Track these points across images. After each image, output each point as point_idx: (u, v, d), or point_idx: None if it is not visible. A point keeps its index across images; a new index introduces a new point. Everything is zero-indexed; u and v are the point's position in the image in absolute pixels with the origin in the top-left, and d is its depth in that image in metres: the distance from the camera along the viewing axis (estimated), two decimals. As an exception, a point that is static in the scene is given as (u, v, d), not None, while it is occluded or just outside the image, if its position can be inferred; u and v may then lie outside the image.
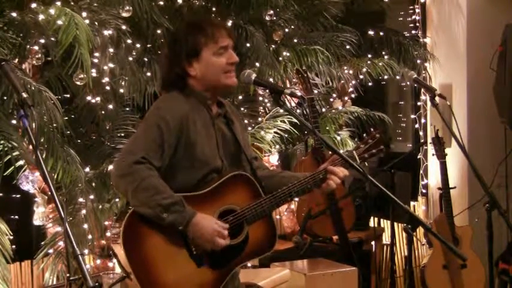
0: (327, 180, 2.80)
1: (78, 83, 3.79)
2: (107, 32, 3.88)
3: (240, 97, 4.84)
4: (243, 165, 2.87)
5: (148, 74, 4.17)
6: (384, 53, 5.59)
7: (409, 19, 5.96)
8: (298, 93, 4.51)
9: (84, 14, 3.76)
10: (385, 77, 5.43)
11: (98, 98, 3.99)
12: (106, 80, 3.98)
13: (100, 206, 3.92)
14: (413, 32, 5.91)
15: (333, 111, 5.42)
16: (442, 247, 4.71)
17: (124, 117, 4.16)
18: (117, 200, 3.98)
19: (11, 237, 3.68)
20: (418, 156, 5.94)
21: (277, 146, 4.98)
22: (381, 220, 5.45)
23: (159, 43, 4.27)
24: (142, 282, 2.61)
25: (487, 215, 3.54)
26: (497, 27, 5.29)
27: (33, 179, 3.86)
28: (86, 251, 3.97)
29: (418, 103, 6.03)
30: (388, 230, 5.13)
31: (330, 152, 4.39)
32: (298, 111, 4.65)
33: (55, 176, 3.65)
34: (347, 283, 4.11)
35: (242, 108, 4.86)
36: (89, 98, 3.96)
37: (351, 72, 5.32)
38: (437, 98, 3.47)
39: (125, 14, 3.96)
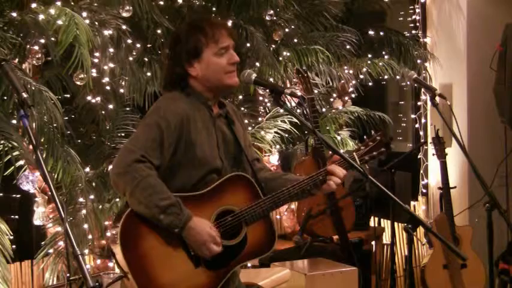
0: (327, 181, 2.80)
1: (78, 83, 3.80)
2: (107, 32, 3.88)
3: (240, 97, 4.84)
4: (244, 166, 2.86)
5: (149, 74, 4.17)
6: (384, 52, 5.59)
7: (409, 19, 5.97)
8: (298, 93, 4.51)
9: (84, 14, 3.76)
10: (385, 76, 5.43)
11: (98, 98, 3.99)
12: (106, 80, 3.98)
13: (100, 206, 3.92)
14: (413, 31, 5.92)
15: (333, 111, 5.42)
16: (442, 247, 4.71)
17: (124, 117, 4.15)
18: (117, 200, 3.98)
19: (11, 237, 3.68)
20: (419, 156, 5.95)
21: (278, 146, 4.98)
22: (381, 220, 5.45)
23: (159, 43, 4.27)
24: (139, 282, 2.60)
25: (487, 215, 3.54)
26: (498, 27, 5.30)
27: (33, 179, 3.86)
28: (86, 251, 3.97)
29: (418, 103, 6.03)
30: (389, 230, 5.13)
31: (330, 152, 4.41)
32: (298, 111, 4.64)
33: (55, 176, 3.65)
34: (347, 283, 4.11)
35: (242, 108, 4.86)
36: (89, 98, 3.96)
37: (351, 72, 5.32)
38: (437, 98, 3.47)
39: (125, 14, 3.97)
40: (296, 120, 4.10)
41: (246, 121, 4.73)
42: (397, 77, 5.48)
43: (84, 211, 3.84)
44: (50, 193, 2.15)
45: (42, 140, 3.53)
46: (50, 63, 3.86)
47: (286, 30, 4.92)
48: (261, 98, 5.06)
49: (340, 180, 2.81)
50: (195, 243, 2.64)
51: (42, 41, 3.66)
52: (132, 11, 3.99)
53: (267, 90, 3.57)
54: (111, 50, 3.92)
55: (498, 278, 4.95)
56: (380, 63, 5.35)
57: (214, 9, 4.63)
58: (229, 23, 4.49)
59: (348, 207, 4.76)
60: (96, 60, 3.86)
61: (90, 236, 3.91)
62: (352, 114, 5.39)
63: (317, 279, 4.04)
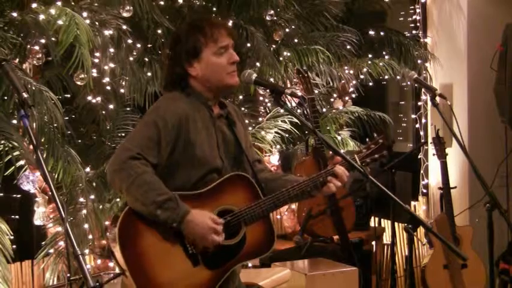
0: (327, 183, 2.80)
1: (78, 83, 3.80)
2: (107, 32, 3.88)
3: (241, 97, 4.84)
4: (244, 167, 2.86)
5: (149, 74, 4.17)
6: (384, 53, 5.59)
7: (410, 19, 5.96)
8: (298, 93, 4.51)
9: (84, 14, 3.76)
10: (386, 77, 5.43)
11: (99, 98, 3.99)
12: (106, 80, 3.98)
13: (100, 206, 3.92)
14: (413, 32, 5.92)
15: (334, 111, 5.43)
16: (442, 247, 4.71)
17: (124, 117, 4.15)
18: (117, 200, 3.98)
19: (12, 237, 3.68)
20: (419, 156, 5.94)
21: (278, 146, 4.98)
22: (382, 220, 5.45)
23: (159, 43, 4.28)
24: (137, 281, 2.60)
25: (488, 215, 3.54)
26: (498, 27, 5.30)
27: (34, 179, 3.86)
28: (87, 251, 3.97)
29: (419, 103, 6.03)
30: (389, 230, 5.13)
31: (331, 152, 4.41)
32: (298, 111, 4.65)
33: (55, 176, 3.65)
34: (348, 283, 4.11)
35: (243, 108, 4.85)
36: (89, 98, 3.96)
37: (351, 72, 5.32)
38: (437, 98, 3.47)
39: (125, 14, 3.97)
40: (296, 120, 4.10)
41: (246, 121, 4.73)
42: (398, 77, 5.48)
43: (84, 211, 3.84)
44: (50, 193, 2.15)
45: (42, 140, 3.53)
46: (50, 63, 3.86)
47: (287, 30, 4.92)
48: (261, 98, 5.06)
49: (342, 183, 2.80)
50: (194, 236, 2.63)
51: (43, 41, 3.66)
52: (133, 11, 3.99)
53: (268, 90, 3.57)
54: (112, 50, 3.92)
55: (498, 278, 4.95)
56: (380, 63, 5.35)
57: (214, 9, 4.63)
58: (230, 23, 4.49)
59: (348, 207, 4.76)
60: (96, 60, 3.86)
61: (90, 236, 3.91)
62: (352, 114, 5.39)
63: (317, 279, 4.04)
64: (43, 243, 3.89)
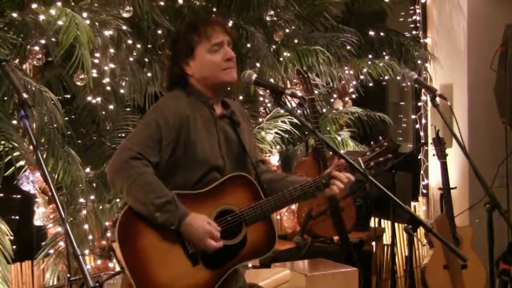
0: (330, 185, 2.79)
1: (78, 83, 3.80)
2: (107, 33, 3.88)
3: (241, 97, 4.83)
4: (247, 167, 2.85)
5: (149, 74, 4.17)
6: (384, 53, 5.59)
7: (410, 19, 5.97)
8: (298, 94, 4.51)
9: (84, 15, 3.76)
10: (386, 77, 5.43)
11: (99, 99, 3.99)
12: (107, 80, 3.98)
13: (101, 207, 3.92)
14: (413, 32, 5.92)
15: (334, 111, 5.43)
16: (442, 247, 4.71)
17: (125, 118, 4.15)
18: (117, 200, 3.98)
19: (12, 238, 3.68)
20: (419, 157, 5.94)
21: (278, 147, 4.98)
22: (382, 220, 5.45)
23: (159, 43, 4.28)
24: (136, 280, 2.60)
25: (488, 216, 3.54)
26: (498, 28, 5.30)
27: (34, 180, 3.86)
28: (87, 252, 3.97)
29: (419, 103, 6.03)
30: (389, 231, 5.13)
31: (331, 153, 4.41)
32: (298, 111, 4.64)
33: (56, 177, 3.65)
34: (348, 283, 4.10)
35: (243, 109, 4.85)
36: (89, 98, 3.96)
37: (351, 72, 5.32)
38: (437, 99, 3.47)
39: (125, 15, 3.96)
40: (296, 121, 4.10)
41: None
42: (398, 78, 5.48)
43: (84, 211, 3.84)
44: (50, 193, 2.15)
45: (42, 141, 3.53)
46: (50, 64, 3.86)
47: (287, 30, 4.92)
48: (261, 99, 5.06)
49: (343, 186, 2.79)
50: (193, 239, 2.64)
51: (43, 41, 3.66)
52: (133, 12, 3.99)
53: (268, 91, 3.57)
54: (112, 50, 3.92)
55: (498, 279, 4.95)
56: (380, 64, 5.35)
57: (214, 9, 4.63)
58: (230, 24, 4.49)
59: (348, 208, 4.76)
60: (96, 61, 3.86)
61: (90, 237, 3.91)
62: (352, 115, 5.40)
63: (317, 279, 4.04)
64: (43, 243, 3.89)
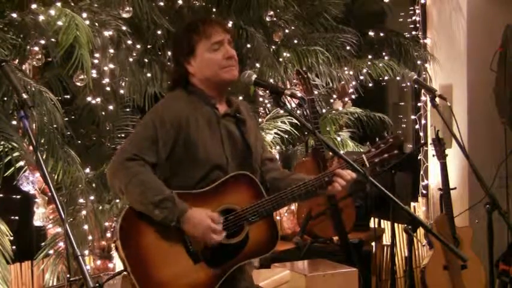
0: (332, 182, 2.79)
1: (78, 83, 3.80)
2: (107, 33, 3.88)
3: (240, 98, 4.83)
4: (253, 166, 2.84)
5: (149, 74, 4.17)
6: (384, 53, 5.59)
7: (410, 20, 5.97)
8: (298, 94, 4.51)
9: (84, 15, 3.77)
10: (386, 77, 5.44)
11: (98, 99, 3.99)
12: (106, 80, 3.98)
13: (100, 207, 3.93)
14: (413, 32, 5.92)
15: (333, 112, 5.43)
16: (442, 248, 4.71)
17: (124, 118, 4.16)
18: (117, 201, 3.98)
19: (11, 238, 3.68)
20: (419, 157, 5.94)
21: (278, 147, 4.98)
22: (381, 221, 5.45)
23: (159, 44, 4.28)
24: (138, 278, 2.60)
25: (488, 216, 3.53)
26: (498, 28, 5.30)
27: (34, 180, 3.86)
28: (86, 252, 3.97)
29: (419, 104, 6.03)
30: (389, 231, 5.12)
31: (330, 153, 4.41)
32: (298, 112, 4.64)
33: (55, 177, 3.65)
34: (347, 284, 4.10)
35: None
36: (89, 98, 3.96)
37: (351, 73, 5.32)
38: (437, 99, 3.47)
39: (125, 15, 3.97)
40: (296, 121, 4.10)
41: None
42: (397, 78, 5.48)
43: (84, 212, 3.84)
44: (50, 194, 2.15)
45: (42, 141, 3.54)
46: (50, 64, 3.86)
47: (287, 31, 4.92)
48: (261, 99, 5.06)
49: (346, 183, 2.79)
50: (193, 235, 2.64)
51: (43, 41, 3.66)
52: (132, 12, 3.99)
53: (267, 91, 3.56)
54: (111, 50, 3.93)
55: (498, 279, 4.95)
56: (380, 64, 5.35)
57: (214, 10, 4.63)
58: (230, 24, 4.49)
59: (348, 208, 4.76)
60: (96, 61, 3.86)
61: (90, 237, 3.91)
62: (352, 115, 5.40)
63: (317, 280, 4.04)
64: (43, 244, 3.89)
